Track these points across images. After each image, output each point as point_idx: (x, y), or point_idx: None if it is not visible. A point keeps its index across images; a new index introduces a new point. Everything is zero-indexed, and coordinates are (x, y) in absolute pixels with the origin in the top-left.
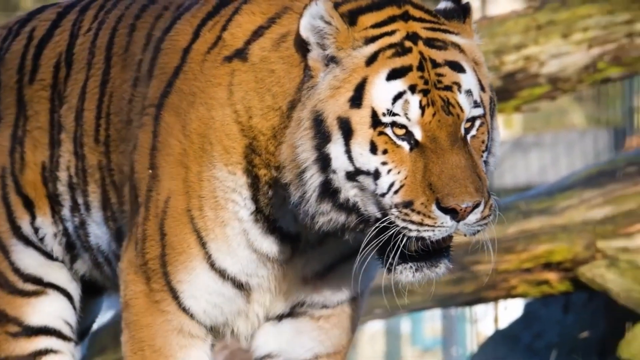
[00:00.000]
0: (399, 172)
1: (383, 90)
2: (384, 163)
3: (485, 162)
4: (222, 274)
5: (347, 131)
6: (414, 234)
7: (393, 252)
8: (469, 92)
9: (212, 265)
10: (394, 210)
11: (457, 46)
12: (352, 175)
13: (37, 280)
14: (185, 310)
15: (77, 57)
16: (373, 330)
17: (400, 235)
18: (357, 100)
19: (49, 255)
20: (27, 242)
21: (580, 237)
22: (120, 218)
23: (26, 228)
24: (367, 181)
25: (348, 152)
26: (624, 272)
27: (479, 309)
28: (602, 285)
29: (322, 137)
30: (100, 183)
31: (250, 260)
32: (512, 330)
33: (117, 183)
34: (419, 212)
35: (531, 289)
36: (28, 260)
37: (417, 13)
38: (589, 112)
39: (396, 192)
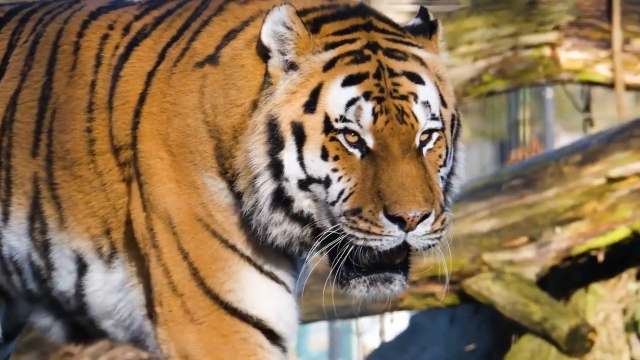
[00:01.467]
0: (349, 180)
1: (337, 96)
2: (334, 170)
3: (443, 178)
4: (262, 270)
5: (299, 137)
6: (361, 242)
7: (344, 264)
8: (426, 104)
9: (250, 261)
10: (342, 218)
11: (418, 59)
12: (304, 184)
13: None
14: (256, 322)
15: (10, 66)
16: None
17: (348, 245)
18: (311, 105)
19: None
20: None
21: (466, 250)
22: (55, 229)
23: None
24: (318, 190)
25: (300, 158)
26: (509, 284)
27: (365, 322)
28: (488, 298)
29: (275, 142)
30: (31, 195)
31: (277, 256)
32: (398, 343)
33: (63, 197)
34: (366, 220)
35: (417, 301)
36: None
37: (381, 25)
38: (474, 125)
39: (345, 199)
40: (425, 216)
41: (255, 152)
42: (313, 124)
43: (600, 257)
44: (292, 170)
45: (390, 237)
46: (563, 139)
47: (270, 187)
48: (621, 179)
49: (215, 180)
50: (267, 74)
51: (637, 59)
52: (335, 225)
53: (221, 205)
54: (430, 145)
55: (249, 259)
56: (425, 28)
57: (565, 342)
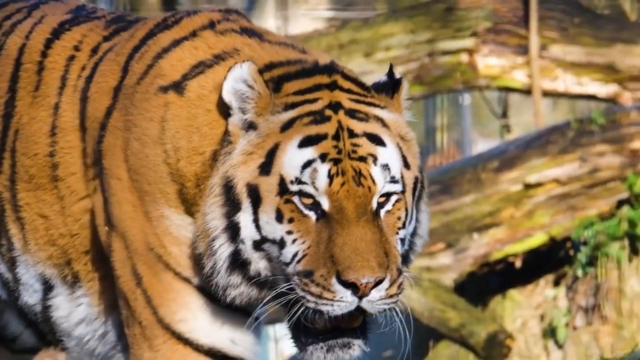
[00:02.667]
0: (303, 242)
1: (293, 158)
2: (289, 232)
3: (403, 240)
4: (215, 298)
5: (255, 199)
6: (312, 305)
7: (302, 328)
8: (385, 166)
9: (204, 292)
10: (295, 278)
11: (380, 120)
12: (258, 244)
13: None
14: (207, 351)
15: None
16: None
17: (300, 305)
18: (267, 166)
19: None
20: None
21: None
22: (20, 249)
23: None
24: (272, 249)
25: (256, 220)
26: (427, 291)
27: (282, 328)
28: (405, 304)
29: (232, 204)
30: None
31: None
32: None
33: (27, 221)
34: (317, 284)
35: None
36: None
37: (346, 84)
38: None
39: (299, 261)
40: (379, 282)
41: (212, 215)
42: (268, 186)
43: (518, 263)
44: (247, 232)
45: (342, 302)
46: (480, 145)
47: (228, 250)
48: (538, 185)
49: (182, 216)
50: (227, 132)
51: (554, 65)
52: (288, 284)
53: (179, 239)
54: (388, 207)
55: (202, 289)
56: (389, 86)
57: (483, 348)
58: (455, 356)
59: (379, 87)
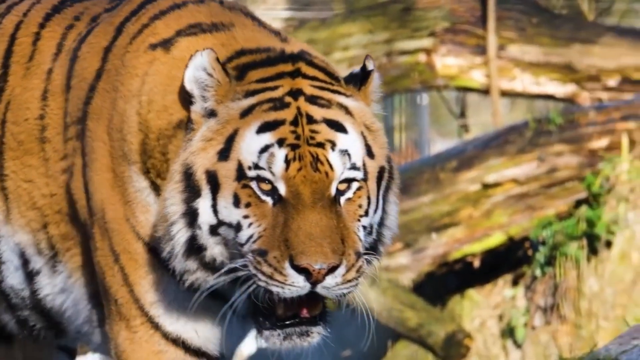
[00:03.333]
0: (259, 225)
1: (251, 143)
2: (245, 216)
3: (365, 228)
4: (179, 281)
5: (214, 185)
6: (262, 284)
7: (262, 313)
8: (344, 152)
9: (171, 272)
10: (249, 255)
11: (343, 107)
12: (214, 229)
13: None
14: (176, 341)
15: None
16: None
17: (252, 282)
18: (225, 152)
19: None
20: None
21: None
22: (1, 221)
23: None
24: (228, 233)
25: (214, 206)
26: (385, 290)
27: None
28: (364, 304)
29: (191, 191)
30: None
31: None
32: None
33: (11, 189)
34: (270, 265)
35: None
36: None
37: (311, 71)
38: None
39: (255, 241)
40: (333, 268)
41: (172, 200)
42: (226, 172)
43: (476, 263)
44: (205, 218)
45: (293, 286)
46: (438, 145)
47: (185, 235)
48: (496, 185)
49: (139, 177)
50: (189, 120)
51: (512, 65)
52: (242, 259)
53: (144, 206)
54: (349, 194)
55: (170, 267)
56: (358, 77)
57: (441, 348)
58: (414, 356)
59: (349, 78)
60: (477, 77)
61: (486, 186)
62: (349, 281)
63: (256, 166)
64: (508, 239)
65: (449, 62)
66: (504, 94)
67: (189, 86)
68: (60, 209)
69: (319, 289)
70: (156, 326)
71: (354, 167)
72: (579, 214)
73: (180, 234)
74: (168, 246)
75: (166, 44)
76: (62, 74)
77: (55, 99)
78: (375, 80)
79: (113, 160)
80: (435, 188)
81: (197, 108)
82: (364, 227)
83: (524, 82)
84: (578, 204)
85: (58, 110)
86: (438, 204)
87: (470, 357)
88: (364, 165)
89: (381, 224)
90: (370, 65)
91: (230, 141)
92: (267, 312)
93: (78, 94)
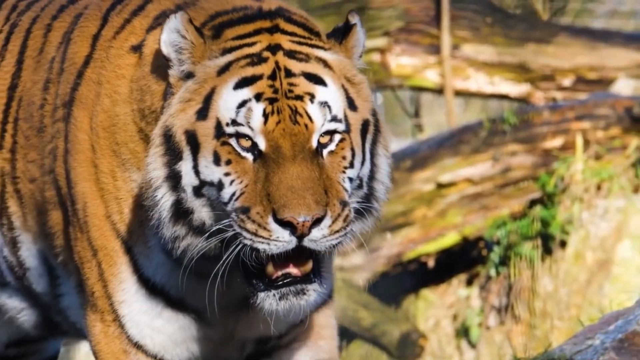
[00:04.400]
0: (241, 182)
1: (228, 100)
2: (227, 174)
3: (352, 179)
4: (147, 284)
5: (194, 145)
6: (248, 242)
7: (255, 275)
8: (324, 104)
9: (139, 275)
10: (233, 214)
11: (322, 61)
12: (198, 190)
13: None
14: (136, 345)
15: None
16: (88, 349)
17: (238, 242)
18: (204, 111)
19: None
20: None
21: None
22: (20, 227)
23: None
24: (211, 192)
25: (195, 167)
26: (339, 290)
27: None
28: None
29: (172, 153)
30: None
31: (171, 269)
32: None
33: (23, 192)
34: (253, 221)
35: None
36: None
37: (289, 27)
38: None
39: (237, 198)
40: (318, 220)
41: (154, 165)
42: (205, 131)
43: (431, 263)
44: (187, 179)
45: (279, 241)
46: (392, 145)
47: (170, 200)
48: (451, 184)
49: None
50: (169, 85)
51: (466, 64)
52: (226, 220)
53: (139, 203)
54: (331, 147)
55: (138, 269)
56: (340, 31)
57: (396, 347)
58: (368, 356)
59: (332, 33)
60: (431, 77)
61: (440, 186)
62: (337, 232)
63: (234, 122)
64: (462, 238)
65: (403, 62)
66: (458, 93)
67: (165, 50)
68: (51, 197)
69: (306, 242)
70: (122, 326)
71: (334, 119)
72: (533, 213)
73: (165, 199)
74: (155, 213)
75: (140, 48)
76: (59, 59)
77: (53, 87)
78: (357, 34)
79: (95, 154)
80: None
81: (174, 72)
82: (351, 179)
83: (478, 81)
84: (532, 203)
85: (53, 101)
86: (392, 204)
87: (425, 357)
88: (345, 117)
89: (371, 177)
90: (353, 20)
91: (208, 100)
92: (260, 274)
93: (67, 77)
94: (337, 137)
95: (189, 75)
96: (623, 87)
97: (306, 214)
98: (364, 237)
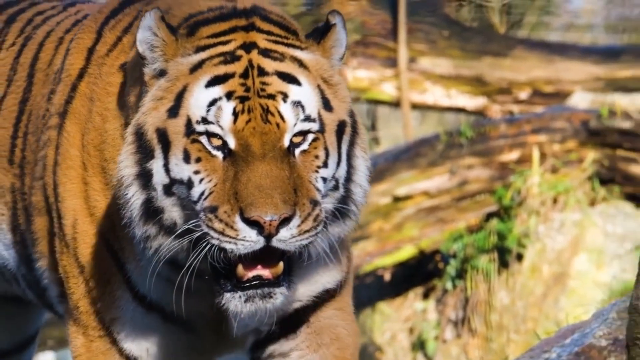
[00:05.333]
0: (210, 180)
1: (199, 97)
2: (196, 172)
3: (326, 179)
4: (143, 301)
5: (165, 143)
6: (215, 242)
7: (223, 275)
8: (297, 104)
9: (133, 291)
10: (201, 214)
11: (298, 60)
12: (168, 188)
13: None
14: (127, 357)
15: None
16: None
17: (205, 242)
18: (175, 109)
19: None
20: None
21: None
22: (30, 245)
23: None
24: (181, 190)
25: (166, 165)
26: None
27: None
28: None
29: (143, 151)
30: (11, 206)
31: (165, 284)
32: None
33: (28, 208)
34: (221, 220)
35: None
36: None
37: (265, 25)
38: None
39: (206, 198)
40: (285, 220)
41: (125, 162)
42: (175, 128)
43: (387, 276)
44: (158, 178)
45: (246, 241)
46: None
47: (140, 198)
48: (407, 197)
49: None
50: (144, 84)
51: (423, 77)
52: (194, 220)
53: None
54: (304, 146)
55: (133, 287)
56: (319, 31)
57: None
58: None
59: (312, 32)
60: (388, 90)
61: (397, 199)
62: (306, 231)
63: (204, 120)
64: (419, 252)
65: (359, 75)
66: (415, 106)
67: (140, 48)
68: (37, 202)
69: (275, 242)
70: (113, 341)
71: (308, 119)
72: (489, 227)
73: (136, 197)
74: (127, 212)
75: (126, 65)
76: (59, 70)
77: (54, 96)
78: (337, 34)
79: (87, 172)
80: None
81: (148, 69)
82: (325, 179)
83: (435, 94)
84: (489, 216)
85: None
86: None
87: None
88: (320, 117)
89: (348, 179)
90: (333, 20)
91: (179, 97)
92: (228, 274)
93: (63, 88)
94: (310, 136)
95: (161, 73)
96: (579, 100)
97: (273, 213)
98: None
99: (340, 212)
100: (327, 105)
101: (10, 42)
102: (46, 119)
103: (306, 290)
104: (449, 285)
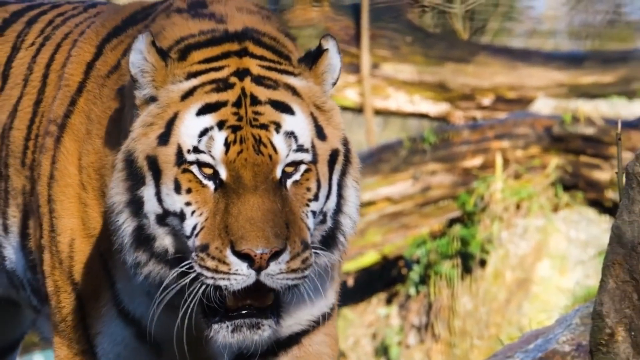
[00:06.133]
0: (201, 214)
1: (190, 126)
2: (187, 203)
3: (315, 213)
4: (126, 317)
5: (156, 171)
6: (210, 281)
7: (211, 306)
8: (290, 134)
9: (120, 309)
10: (193, 254)
11: (291, 88)
12: (162, 219)
13: None
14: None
15: (14, 71)
16: None
17: (199, 283)
18: (165, 136)
19: None
20: None
21: None
22: (35, 251)
23: None
24: (175, 222)
25: (158, 194)
26: None
27: None
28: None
29: (134, 178)
30: (21, 209)
31: (149, 305)
32: None
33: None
34: (213, 257)
35: None
36: None
37: (259, 51)
38: None
39: (197, 235)
40: (276, 253)
41: (116, 189)
42: (166, 157)
43: (350, 282)
44: (150, 206)
45: (238, 275)
46: None
47: (131, 225)
48: (370, 203)
49: None
50: (134, 107)
51: (386, 83)
52: (187, 262)
53: None
54: (296, 177)
55: (118, 303)
56: (311, 56)
57: None
58: None
59: (304, 57)
60: (350, 96)
61: (360, 205)
62: (294, 271)
63: (196, 149)
64: (382, 257)
65: None
66: (378, 112)
67: (133, 71)
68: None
69: (263, 276)
70: (95, 355)
71: (300, 149)
72: (453, 232)
73: (127, 224)
74: (118, 239)
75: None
76: (60, 76)
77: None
78: (329, 60)
79: (87, 193)
80: None
81: (139, 94)
82: (314, 213)
83: (398, 100)
84: (452, 222)
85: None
86: None
87: None
88: (313, 147)
89: (338, 210)
90: (325, 45)
91: (170, 125)
92: (217, 305)
93: (62, 99)
94: (303, 167)
95: (152, 99)
96: (542, 106)
97: (264, 247)
98: None
99: (328, 242)
100: (320, 133)
101: (30, 42)
102: (46, 124)
103: (297, 318)
104: (412, 290)
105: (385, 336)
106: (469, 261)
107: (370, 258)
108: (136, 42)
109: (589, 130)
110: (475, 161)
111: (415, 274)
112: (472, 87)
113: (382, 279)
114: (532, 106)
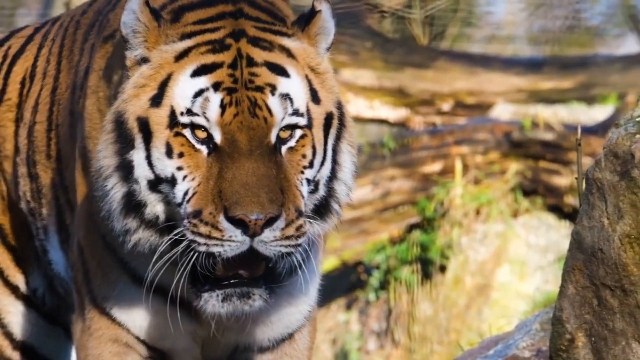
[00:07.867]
0: (193, 179)
1: (185, 88)
2: (179, 168)
3: (310, 181)
4: (141, 282)
5: (147, 134)
6: (202, 248)
7: (201, 275)
8: (285, 97)
9: (131, 274)
10: (185, 221)
11: (286, 50)
12: (154, 185)
13: (28, 350)
14: (118, 323)
15: (38, 68)
16: None
17: (192, 251)
18: (158, 98)
19: (51, 318)
20: (28, 303)
21: None
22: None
23: (22, 287)
24: (167, 189)
25: (148, 157)
26: None
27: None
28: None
29: (123, 141)
30: (54, 204)
31: (161, 266)
32: None
33: (74, 203)
34: (206, 223)
35: None
36: (26, 325)
37: (254, 12)
38: None
39: (189, 200)
40: (271, 219)
41: (105, 152)
42: (158, 119)
43: None
44: (141, 171)
45: (232, 242)
46: None
47: (121, 191)
48: None
49: None
50: (125, 67)
51: (345, 89)
52: (178, 230)
53: None
54: (291, 143)
55: (129, 269)
56: (304, 18)
57: None
58: None
59: (298, 19)
60: None
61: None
62: (288, 238)
63: (189, 112)
64: (342, 263)
65: None
66: None
67: (124, 31)
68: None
69: (256, 243)
70: (113, 320)
71: (296, 113)
72: (412, 238)
73: (116, 190)
74: (106, 205)
75: (114, 35)
76: (84, 65)
77: (77, 92)
78: (322, 22)
79: (81, 160)
80: None
81: (130, 54)
82: (308, 181)
83: (357, 106)
84: (411, 228)
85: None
86: None
87: None
88: (308, 110)
89: (332, 176)
90: (318, 6)
91: (163, 86)
92: (207, 274)
93: (77, 91)
94: (298, 132)
95: (144, 60)
96: (502, 111)
97: (259, 212)
98: None
99: (321, 211)
100: (315, 97)
101: (51, 37)
102: (75, 116)
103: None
104: (371, 296)
105: (345, 342)
106: (428, 267)
107: (329, 264)
108: (129, 2)
109: (549, 136)
110: (435, 167)
111: (374, 279)
112: (431, 93)
113: (341, 284)
114: (491, 112)
